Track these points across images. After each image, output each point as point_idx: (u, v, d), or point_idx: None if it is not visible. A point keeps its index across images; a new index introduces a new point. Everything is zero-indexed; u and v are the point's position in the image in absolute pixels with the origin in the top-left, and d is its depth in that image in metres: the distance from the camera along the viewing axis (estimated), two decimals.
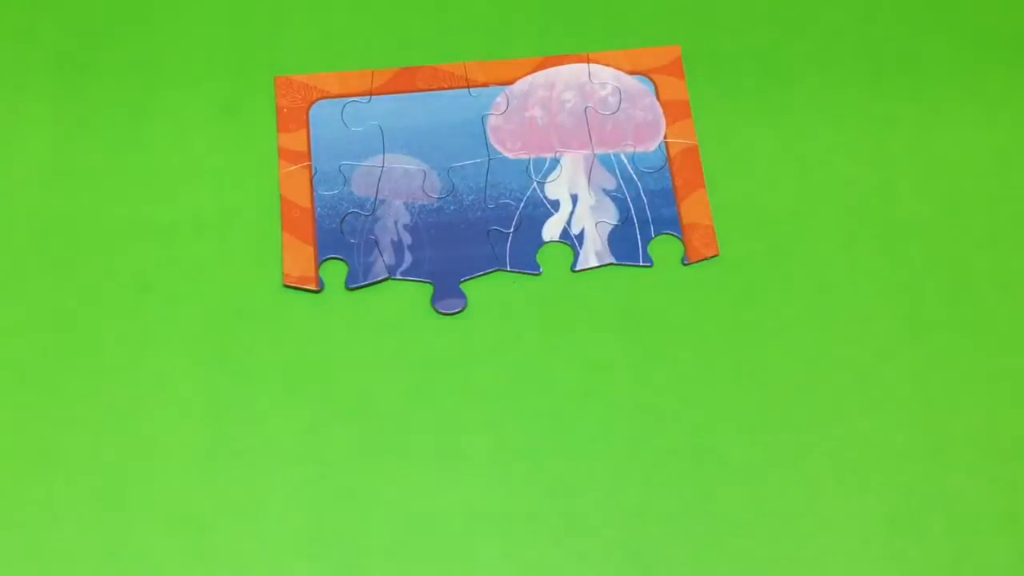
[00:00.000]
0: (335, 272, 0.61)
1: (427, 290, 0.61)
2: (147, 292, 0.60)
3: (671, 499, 0.56)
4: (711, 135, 0.65)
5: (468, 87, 0.66)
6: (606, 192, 0.63)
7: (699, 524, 0.56)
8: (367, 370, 0.59)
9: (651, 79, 0.66)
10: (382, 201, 0.63)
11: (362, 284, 0.61)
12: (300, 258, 0.61)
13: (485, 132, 0.64)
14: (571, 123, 0.65)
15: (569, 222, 0.62)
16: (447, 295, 0.61)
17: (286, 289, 0.60)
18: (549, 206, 0.63)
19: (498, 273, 0.61)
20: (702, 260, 0.61)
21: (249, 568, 0.54)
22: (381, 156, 0.64)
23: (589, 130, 0.65)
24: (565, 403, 0.58)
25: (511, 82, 0.66)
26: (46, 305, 0.59)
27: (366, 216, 0.62)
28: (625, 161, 0.64)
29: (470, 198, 0.63)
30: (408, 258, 0.61)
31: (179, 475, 0.56)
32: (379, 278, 0.61)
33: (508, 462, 0.57)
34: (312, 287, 0.60)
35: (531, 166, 0.64)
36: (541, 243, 0.62)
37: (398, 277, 0.61)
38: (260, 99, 0.65)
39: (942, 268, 0.62)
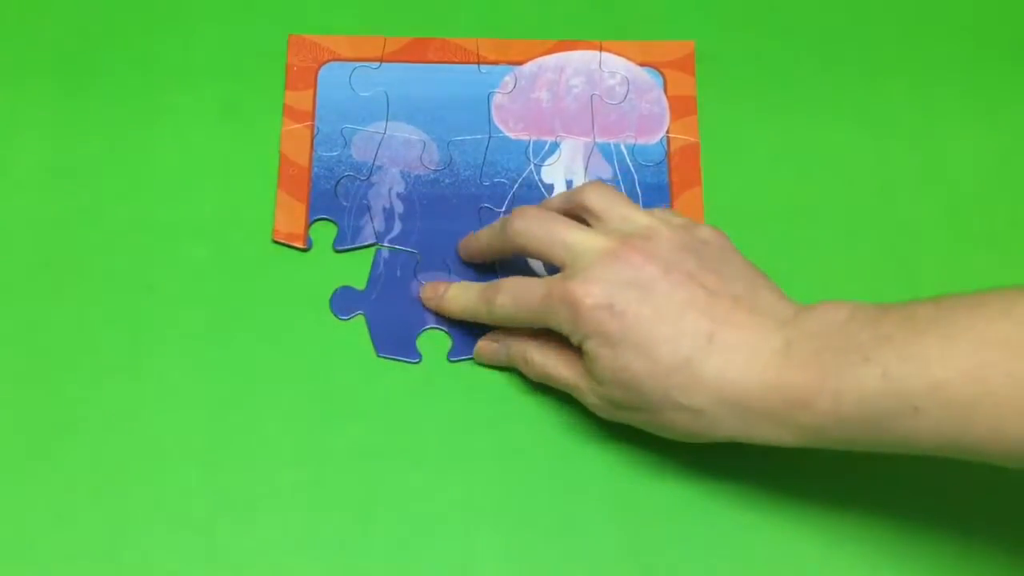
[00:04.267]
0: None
1: (412, 259, 0.61)
2: (148, 292, 0.60)
3: (671, 499, 0.56)
4: (714, 134, 0.65)
5: (478, 63, 0.66)
6: (601, 181, 0.63)
7: (699, 524, 0.56)
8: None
9: (661, 72, 0.66)
10: (379, 167, 0.63)
11: (349, 247, 0.61)
12: (291, 216, 0.62)
13: (489, 109, 0.65)
14: (575, 109, 0.65)
15: None
16: (431, 267, 0.61)
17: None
18: (543, 189, 0.63)
19: None
20: None
21: (249, 568, 0.55)
22: (384, 123, 0.64)
23: (593, 117, 0.65)
24: (559, 396, 0.58)
25: (522, 62, 0.66)
26: (47, 305, 0.59)
27: (362, 181, 0.63)
28: (625, 152, 0.64)
29: (466, 173, 0.63)
30: (398, 226, 0.62)
31: (179, 475, 0.56)
32: (367, 243, 0.61)
33: (506, 455, 0.57)
34: (299, 245, 0.61)
35: (530, 148, 0.64)
36: None
37: (385, 244, 0.61)
38: (268, 91, 0.65)
39: (942, 268, 0.62)
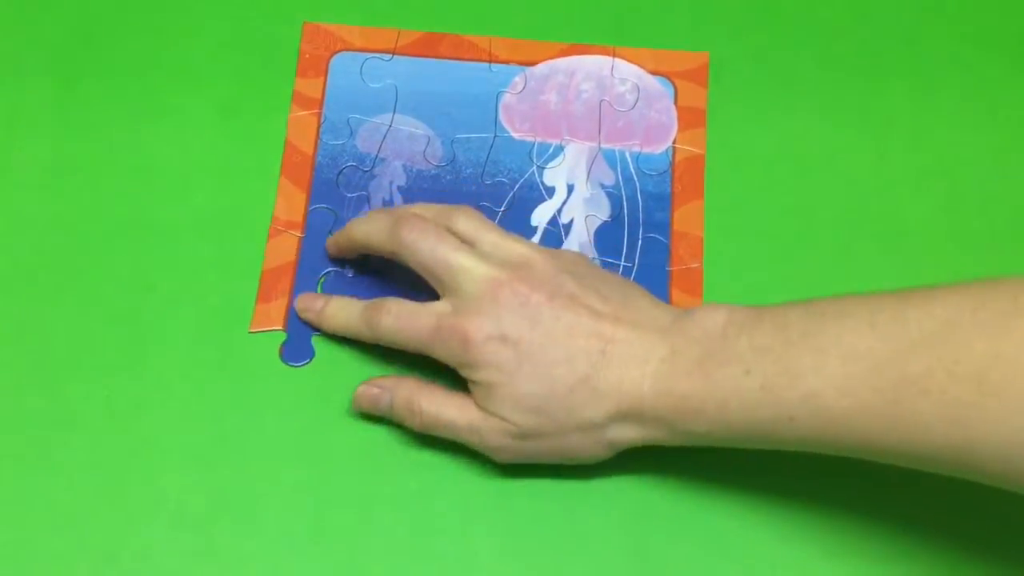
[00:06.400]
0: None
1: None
2: (148, 292, 0.60)
3: (673, 500, 0.56)
4: (721, 146, 0.64)
5: (490, 61, 0.66)
6: (603, 187, 0.63)
7: (701, 526, 0.56)
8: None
9: (672, 82, 0.66)
10: (382, 160, 0.64)
11: None
12: (291, 203, 0.62)
13: (497, 109, 0.65)
14: (583, 113, 0.65)
15: (560, 210, 0.63)
16: None
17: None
18: (544, 191, 0.63)
19: None
20: (684, 268, 0.61)
21: (249, 568, 0.55)
22: (390, 115, 0.64)
23: (600, 123, 0.65)
24: None
25: (533, 63, 0.66)
26: (47, 305, 0.59)
27: (364, 172, 0.63)
28: (629, 159, 0.64)
29: (468, 171, 0.63)
30: None
31: (179, 475, 0.56)
32: None
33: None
34: (297, 233, 0.61)
35: (535, 150, 0.64)
36: (528, 227, 0.62)
37: None
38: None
39: (942, 269, 0.61)
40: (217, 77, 0.65)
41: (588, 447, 0.54)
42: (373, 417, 0.57)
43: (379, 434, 0.57)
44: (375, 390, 0.56)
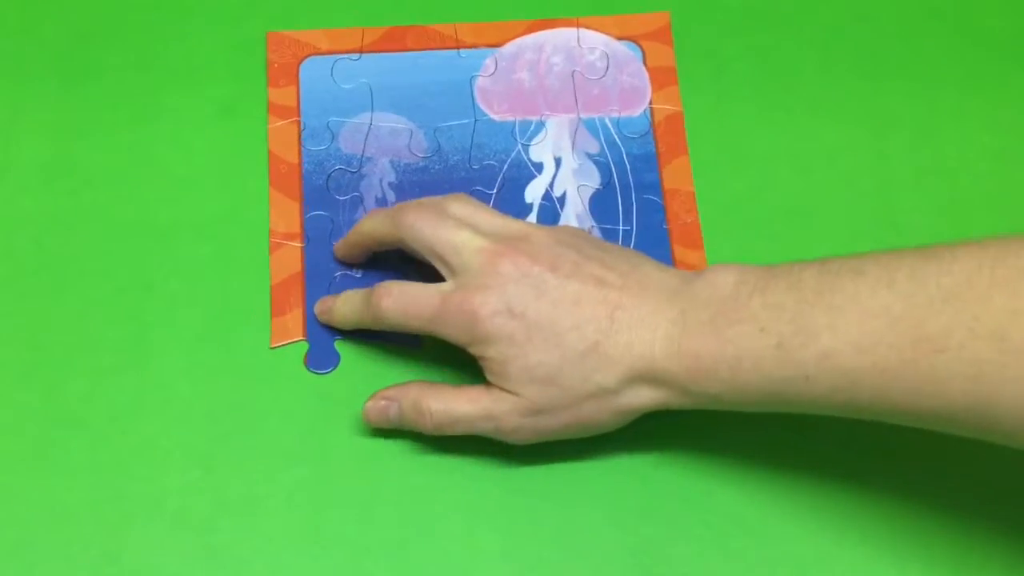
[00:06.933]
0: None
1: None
2: (148, 292, 0.60)
3: (671, 499, 0.56)
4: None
5: (458, 48, 0.66)
6: (589, 156, 0.64)
7: (699, 524, 0.56)
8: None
9: (639, 45, 0.67)
10: (369, 158, 0.64)
11: None
12: (286, 214, 0.62)
13: (472, 93, 0.65)
14: (558, 86, 0.66)
15: (551, 184, 0.63)
16: None
17: None
18: (533, 168, 0.64)
19: None
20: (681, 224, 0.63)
21: (250, 568, 0.54)
22: (369, 114, 0.65)
23: (575, 94, 0.65)
24: None
25: (501, 44, 0.66)
26: (47, 305, 0.59)
27: (352, 173, 0.63)
28: (610, 126, 0.65)
29: (455, 158, 0.64)
30: None
31: (179, 475, 0.56)
32: None
33: (506, 455, 0.57)
34: (298, 243, 0.61)
35: (516, 128, 0.65)
36: (523, 205, 0.63)
37: None
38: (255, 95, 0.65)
39: None
40: (218, 77, 0.65)
41: (603, 415, 0.54)
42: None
43: (379, 432, 0.57)
44: (382, 403, 0.56)
